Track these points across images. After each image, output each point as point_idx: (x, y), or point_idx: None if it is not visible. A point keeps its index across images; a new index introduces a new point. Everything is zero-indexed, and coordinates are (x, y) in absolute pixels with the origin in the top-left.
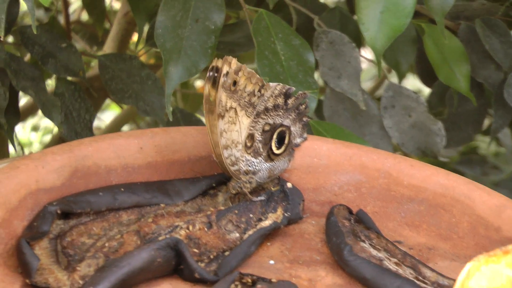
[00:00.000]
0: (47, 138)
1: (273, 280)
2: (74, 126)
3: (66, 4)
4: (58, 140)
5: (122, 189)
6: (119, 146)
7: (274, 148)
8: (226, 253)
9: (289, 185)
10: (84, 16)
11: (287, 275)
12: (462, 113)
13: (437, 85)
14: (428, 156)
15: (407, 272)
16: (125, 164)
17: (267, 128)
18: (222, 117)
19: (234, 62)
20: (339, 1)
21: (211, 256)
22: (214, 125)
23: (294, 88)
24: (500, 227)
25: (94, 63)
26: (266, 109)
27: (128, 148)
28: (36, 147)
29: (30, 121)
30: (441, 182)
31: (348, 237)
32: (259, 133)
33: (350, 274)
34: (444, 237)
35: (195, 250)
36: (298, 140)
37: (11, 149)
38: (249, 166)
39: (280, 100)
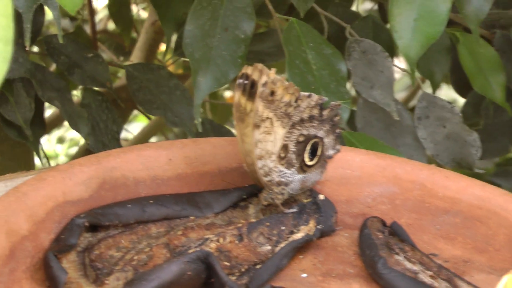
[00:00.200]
0: (73, 150)
1: None
2: (101, 138)
3: (92, 13)
4: (84, 152)
5: (151, 201)
6: (148, 157)
7: (307, 159)
8: (258, 266)
9: (321, 197)
10: (111, 26)
11: None
12: (498, 123)
13: (472, 95)
14: (463, 167)
15: (443, 286)
16: (154, 176)
17: (301, 139)
18: (258, 127)
19: (269, 71)
20: (371, 10)
21: (242, 269)
22: (245, 134)
23: (327, 99)
24: None
25: (121, 73)
26: (302, 120)
27: (157, 159)
28: (62, 159)
29: (56, 133)
30: (477, 193)
31: (382, 250)
32: (293, 144)
33: (384, 287)
34: (480, 249)
35: (226, 263)
36: (331, 152)
37: (36, 161)
38: (282, 177)
39: (316, 111)
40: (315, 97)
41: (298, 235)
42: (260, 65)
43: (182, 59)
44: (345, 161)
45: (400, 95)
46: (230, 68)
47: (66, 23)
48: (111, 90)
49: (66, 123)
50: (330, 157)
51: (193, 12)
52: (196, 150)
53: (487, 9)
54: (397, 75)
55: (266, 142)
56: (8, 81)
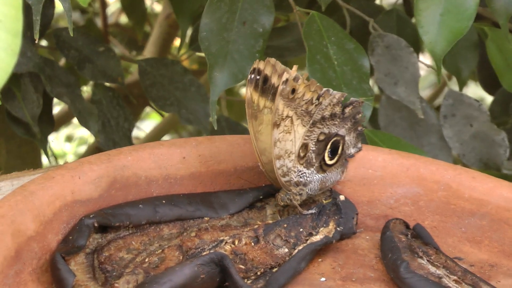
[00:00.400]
0: (82, 149)
1: None
2: (112, 136)
3: (104, 6)
4: (94, 150)
5: (164, 201)
6: (161, 155)
7: (327, 158)
8: (274, 270)
9: (342, 197)
10: (123, 19)
11: None
12: None
13: (501, 92)
14: (491, 168)
15: None
16: (166, 174)
17: (321, 137)
18: (278, 126)
19: (282, 66)
20: (396, 3)
21: (258, 273)
22: (259, 132)
23: (350, 96)
24: None
25: (134, 68)
26: (323, 118)
27: (170, 157)
28: (70, 158)
29: (64, 131)
30: (505, 195)
31: (405, 253)
32: (313, 143)
33: None
34: (508, 253)
35: (241, 266)
36: (352, 150)
37: (44, 160)
38: (301, 177)
39: (338, 109)
40: (337, 94)
41: (317, 237)
42: (272, 60)
43: (197, 54)
44: (367, 160)
45: (425, 92)
46: (247, 64)
47: (76, 16)
48: (122, 85)
49: (75, 120)
50: (351, 156)
51: (210, 4)
52: (211, 148)
53: None
54: (422, 71)
55: (285, 141)
56: (15, 76)
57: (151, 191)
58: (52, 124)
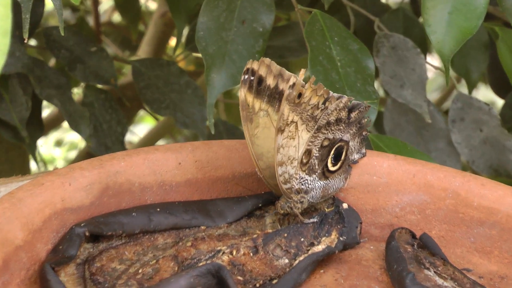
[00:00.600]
0: (72, 154)
1: None
2: (104, 140)
3: (96, 4)
4: (85, 155)
5: (158, 209)
6: (155, 161)
7: (329, 164)
8: (274, 281)
9: (345, 205)
10: (116, 17)
11: None
12: None
13: None
14: (502, 175)
15: None
16: (161, 181)
17: (325, 143)
18: (282, 131)
19: (278, 66)
20: (402, 2)
21: (257, 285)
22: (255, 135)
23: (356, 101)
24: None
25: (127, 69)
26: (328, 123)
27: (165, 163)
28: (60, 164)
29: (54, 135)
30: None
31: (411, 264)
32: (317, 149)
33: None
34: None
35: (239, 278)
36: (355, 156)
37: (33, 166)
38: (302, 185)
39: (344, 114)
40: (344, 98)
41: (319, 248)
42: (267, 60)
43: (194, 54)
44: (372, 166)
45: (433, 95)
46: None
47: (67, 14)
48: (115, 87)
49: (65, 124)
50: (355, 162)
51: (207, 2)
52: (208, 154)
53: None
54: (430, 73)
55: (289, 147)
56: (3, 77)
57: (145, 198)
58: (41, 128)
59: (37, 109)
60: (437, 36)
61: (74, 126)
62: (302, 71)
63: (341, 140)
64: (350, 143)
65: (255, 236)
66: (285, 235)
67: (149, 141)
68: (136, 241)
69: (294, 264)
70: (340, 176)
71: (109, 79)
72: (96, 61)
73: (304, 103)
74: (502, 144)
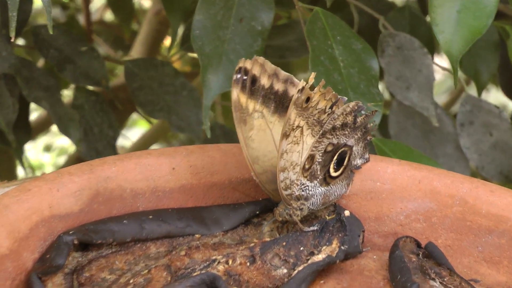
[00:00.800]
0: (62, 160)
1: None
2: (95, 144)
3: (87, 1)
4: (75, 160)
5: (151, 217)
6: (148, 166)
7: (331, 170)
8: None
9: (346, 213)
10: (108, 16)
11: None
12: None
13: None
14: None
15: None
16: (154, 187)
17: (329, 148)
18: (287, 136)
19: (272, 66)
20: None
21: None
22: (250, 138)
23: (364, 106)
24: None
25: (120, 70)
26: (334, 128)
27: (158, 168)
28: (49, 170)
29: (42, 139)
30: None
31: (416, 275)
32: (320, 154)
33: None
34: None
35: None
36: (358, 161)
37: (20, 172)
38: (303, 191)
39: (350, 118)
40: (351, 103)
41: (319, 257)
42: (260, 59)
43: (190, 54)
44: (375, 172)
45: (441, 98)
46: None
47: (56, 12)
48: (107, 89)
49: (54, 127)
50: (358, 167)
51: (204, 0)
52: (203, 158)
53: None
54: (438, 75)
55: (292, 152)
56: None
57: (137, 205)
58: (28, 131)
59: (25, 111)
60: (445, 36)
61: (63, 130)
62: (313, 74)
63: (345, 145)
64: (354, 148)
65: (252, 244)
66: (284, 243)
67: (142, 145)
68: (127, 250)
69: (293, 274)
70: (342, 182)
71: (100, 80)
72: (86, 61)
73: (312, 107)
74: None
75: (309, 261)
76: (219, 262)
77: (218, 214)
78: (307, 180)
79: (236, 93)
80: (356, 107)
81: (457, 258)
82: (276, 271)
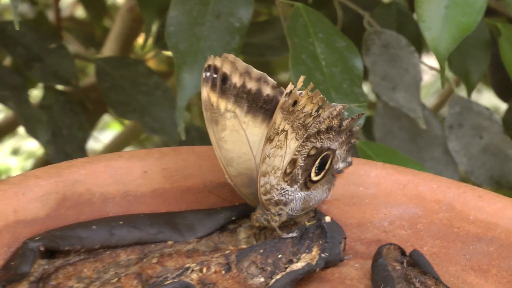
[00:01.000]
0: (31, 164)
1: None
2: (64, 147)
3: None
4: (43, 164)
5: (121, 222)
6: (118, 169)
7: (313, 174)
8: None
9: (327, 219)
10: (79, 12)
11: None
12: None
13: None
14: (504, 187)
15: None
16: (125, 191)
17: (312, 152)
18: (271, 141)
19: (244, 64)
20: None
21: None
22: (223, 139)
23: (349, 106)
24: None
25: (91, 69)
26: (318, 132)
27: (129, 171)
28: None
29: (9, 142)
30: None
31: (400, 284)
32: (303, 158)
33: None
34: None
35: None
36: (340, 165)
37: None
38: (282, 196)
39: (336, 122)
40: (338, 106)
41: (298, 265)
42: (231, 56)
43: (165, 52)
44: (358, 176)
45: (430, 100)
46: None
47: (24, 7)
48: (77, 89)
49: (22, 129)
50: (340, 171)
51: None
52: (176, 161)
53: None
54: (428, 76)
55: (275, 157)
56: None
57: (107, 210)
58: None
59: None
60: (432, 33)
61: (31, 131)
62: (301, 78)
63: (328, 149)
64: (337, 152)
65: (227, 252)
66: (261, 251)
67: (114, 149)
68: (96, 257)
69: (271, 283)
70: (323, 186)
71: (70, 80)
72: (55, 59)
73: (298, 111)
74: (505, 153)
75: (288, 270)
76: (192, 270)
77: (192, 220)
78: (288, 184)
79: (206, 92)
80: (343, 110)
81: (444, 267)
82: (253, 280)
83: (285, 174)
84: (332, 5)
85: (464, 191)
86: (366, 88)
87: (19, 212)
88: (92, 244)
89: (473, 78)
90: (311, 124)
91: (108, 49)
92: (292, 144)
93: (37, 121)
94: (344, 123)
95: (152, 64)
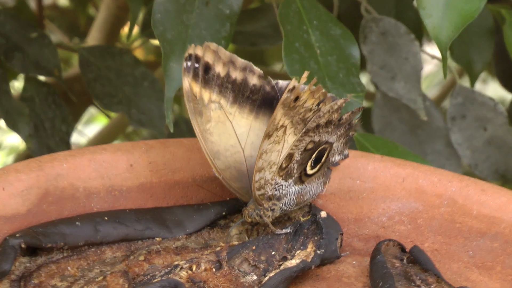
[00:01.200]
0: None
1: None
2: (47, 141)
3: None
4: (24, 159)
5: (106, 218)
6: (103, 162)
7: (308, 168)
8: None
9: (323, 214)
10: (62, 0)
11: None
12: None
13: None
14: (509, 181)
15: None
16: (110, 186)
17: (310, 146)
18: (269, 136)
19: (227, 52)
20: None
21: None
22: (208, 131)
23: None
24: None
25: (75, 59)
26: (317, 126)
27: (114, 165)
28: None
29: None
30: None
31: (399, 282)
32: (299, 152)
33: None
34: None
35: None
36: (336, 158)
37: None
38: (276, 190)
39: (336, 116)
40: (339, 100)
41: (292, 262)
42: (213, 45)
43: (152, 41)
44: (355, 169)
45: (433, 91)
46: None
47: None
48: (60, 80)
49: (2, 123)
50: (336, 164)
51: None
52: (164, 154)
53: None
54: (431, 66)
55: (272, 152)
56: None
57: (91, 205)
58: None
59: None
60: (433, 20)
61: (11, 125)
62: (306, 73)
63: (326, 142)
64: (334, 145)
65: (218, 249)
66: (254, 248)
67: (99, 143)
68: (80, 255)
69: (264, 281)
70: (318, 180)
71: (53, 70)
72: (37, 49)
73: (299, 106)
74: (510, 146)
75: (282, 267)
76: (181, 268)
77: (181, 216)
78: (282, 179)
79: (187, 83)
80: (344, 104)
81: (446, 264)
82: (245, 278)
83: (280, 168)
84: None
85: (466, 185)
86: (364, 78)
87: None
88: (76, 241)
89: (476, 67)
90: (311, 119)
91: (93, 38)
92: (290, 139)
93: (18, 114)
94: (344, 116)
95: (139, 54)
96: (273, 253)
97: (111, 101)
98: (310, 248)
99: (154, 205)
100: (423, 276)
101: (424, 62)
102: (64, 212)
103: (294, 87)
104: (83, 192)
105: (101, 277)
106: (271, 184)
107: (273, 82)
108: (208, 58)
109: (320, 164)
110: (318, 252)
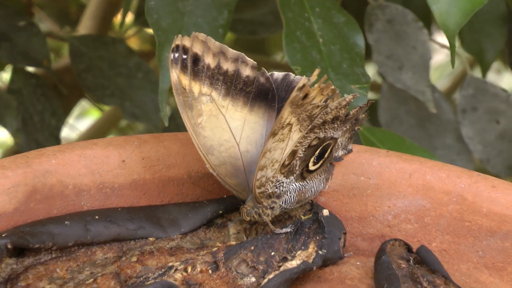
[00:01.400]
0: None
1: None
2: (35, 135)
3: None
4: (12, 154)
5: (97, 217)
6: (94, 158)
7: (310, 164)
8: None
9: (325, 212)
10: None
11: None
12: None
13: None
14: None
15: None
16: (101, 182)
17: (314, 142)
18: (275, 134)
19: (216, 43)
20: None
21: None
22: (200, 125)
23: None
24: None
25: (65, 49)
26: (324, 122)
27: (106, 161)
28: None
29: None
30: None
31: (405, 283)
32: (303, 149)
33: None
34: None
35: None
36: (340, 153)
37: None
38: (276, 188)
39: (343, 112)
40: (348, 96)
41: (293, 263)
42: (201, 35)
43: (147, 30)
44: (359, 164)
45: (442, 83)
46: None
47: None
48: (50, 71)
49: None
50: (339, 159)
51: None
52: (158, 149)
53: None
54: (441, 56)
55: (275, 150)
56: None
57: (81, 203)
58: None
59: None
60: (440, 6)
61: None
62: (317, 71)
63: (331, 138)
64: (339, 140)
65: (215, 249)
66: (252, 248)
67: (91, 138)
68: (70, 256)
69: (263, 284)
70: (320, 176)
71: (41, 61)
72: (25, 38)
73: (307, 103)
74: None
75: (282, 268)
76: (176, 270)
77: (176, 214)
78: (284, 176)
79: (175, 75)
80: (352, 100)
81: (454, 264)
82: (243, 280)
83: (283, 166)
84: None
85: (476, 181)
86: (370, 69)
87: None
88: (65, 241)
89: (488, 56)
90: (317, 115)
91: (84, 27)
92: (295, 136)
93: (5, 107)
94: (351, 112)
95: (134, 43)
96: (272, 253)
97: (104, 93)
98: (311, 248)
99: (148, 203)
100: (430, 277)
101: (435, 52)
102: (52, 211)
103: (303, 85)
104: (72, 190)
105: (92, 279)
106: (272, 182)
107: (268, 73)
108: (197, 49)
109: (323, 159)
110: (320, 252)
